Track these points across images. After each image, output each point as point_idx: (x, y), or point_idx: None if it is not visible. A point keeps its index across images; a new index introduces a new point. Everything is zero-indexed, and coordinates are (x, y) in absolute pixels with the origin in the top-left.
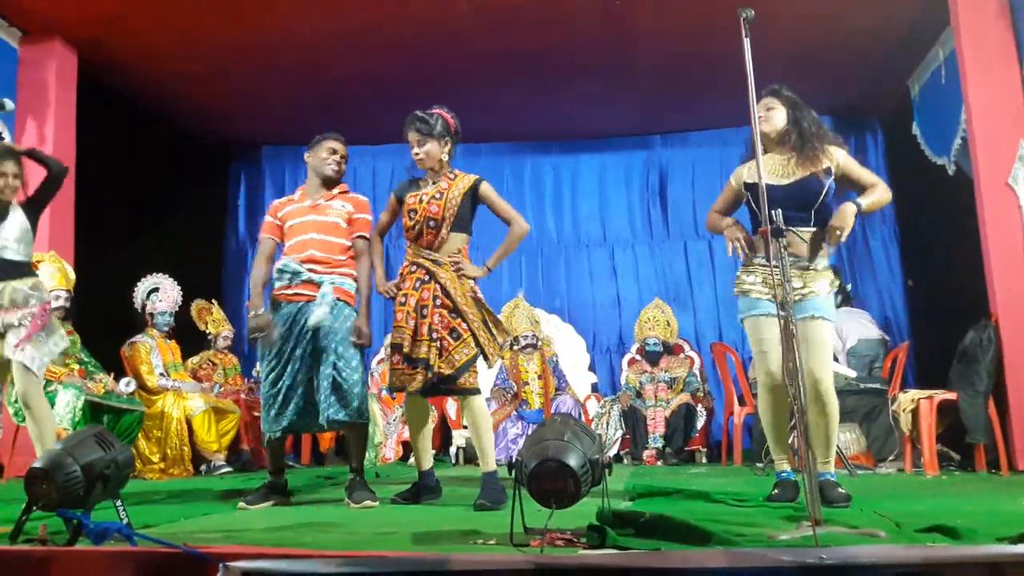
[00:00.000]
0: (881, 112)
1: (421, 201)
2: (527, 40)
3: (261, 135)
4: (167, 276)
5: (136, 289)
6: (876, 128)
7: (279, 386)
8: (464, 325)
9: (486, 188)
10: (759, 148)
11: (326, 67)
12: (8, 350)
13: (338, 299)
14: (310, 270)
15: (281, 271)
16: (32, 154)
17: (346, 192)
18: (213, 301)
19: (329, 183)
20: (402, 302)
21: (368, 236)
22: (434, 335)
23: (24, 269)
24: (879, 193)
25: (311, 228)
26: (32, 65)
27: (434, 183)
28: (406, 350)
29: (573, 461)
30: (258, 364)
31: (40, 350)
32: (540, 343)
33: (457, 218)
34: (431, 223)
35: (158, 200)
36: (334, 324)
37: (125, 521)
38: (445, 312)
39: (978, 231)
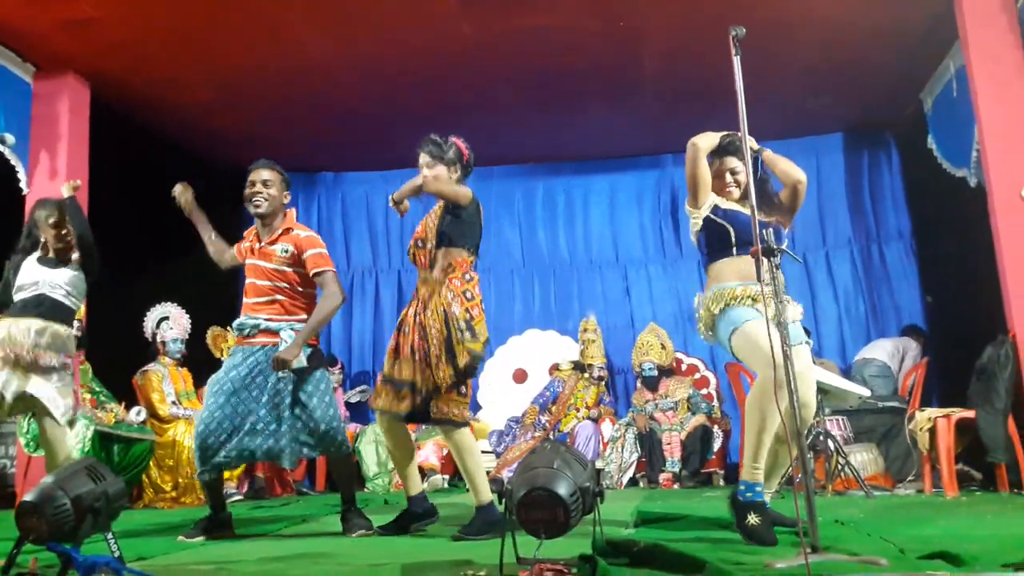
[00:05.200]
0: (895, 126)
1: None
2: (535, 64)
3: (275, 162)
4: (176, 304)
5: (146, 318)
6: (890, 143)
7: (217, 426)
8: (435, 348)
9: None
10: (751, 181)
11: (338, 94)
12: (34, 388)
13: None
14: (267, 319)
15: (240, 328)
16: (61, 206)
17: (289, 230)
18: (229, 328)
19: (261, 219)
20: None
21: (328, 269)
22: (416, 356)
23: (68, 316)
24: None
25: (259, 274)
26: (45, 99)
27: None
28: (385, 370)
29: (562, 490)
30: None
31: (66, 397)
32: (604, 380)
33: (440, 235)
34: (419, 243)
35: (172, 228)
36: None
37: (116, 554)
38: (420, 331)
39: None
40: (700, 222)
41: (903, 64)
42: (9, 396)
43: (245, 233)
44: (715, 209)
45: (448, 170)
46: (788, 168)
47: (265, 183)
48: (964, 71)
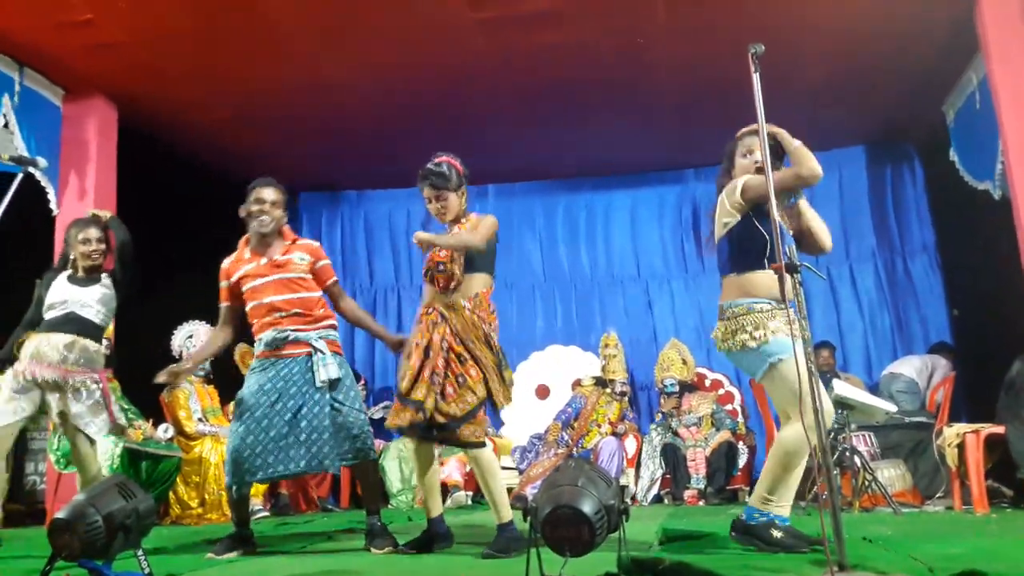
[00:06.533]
0: (917, 139)
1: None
2: (554, 79)
3: (296, 181)
4: (203, 323)
5: (174, 336)
6: (912, 155)
7: (255, 440)
8: (474, 372)
9: (476, 219)
10: (770, 182)
11: (357, 113)
12: (65, 407)
13: (333, 352)
14: (294, 330)
15: (271, 343)
16: (100, 221)
17: (296, 241)
18: None
19: (264, 236)
20: (416, 343)
21: (335, 278)
22: (435, 379)
23: (97, 333)
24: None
25: (278, 288)
26: (74, 121)
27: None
28: (402, 389)
29: (587, 507)
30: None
31: (98, 414)
32: (627, 396)
33: (467, 260)
34: (440, 267)
35: (198, 247)
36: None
37: (146, 571)
38: (453, 357)
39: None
40: (738, 217)
41: (925, 76)
42: (29, 414)
43: (228, 266)
44: (758, 209)
45: (456, 194)
46: (819, 232)
47: (273, 203)
48: (986, 82)
